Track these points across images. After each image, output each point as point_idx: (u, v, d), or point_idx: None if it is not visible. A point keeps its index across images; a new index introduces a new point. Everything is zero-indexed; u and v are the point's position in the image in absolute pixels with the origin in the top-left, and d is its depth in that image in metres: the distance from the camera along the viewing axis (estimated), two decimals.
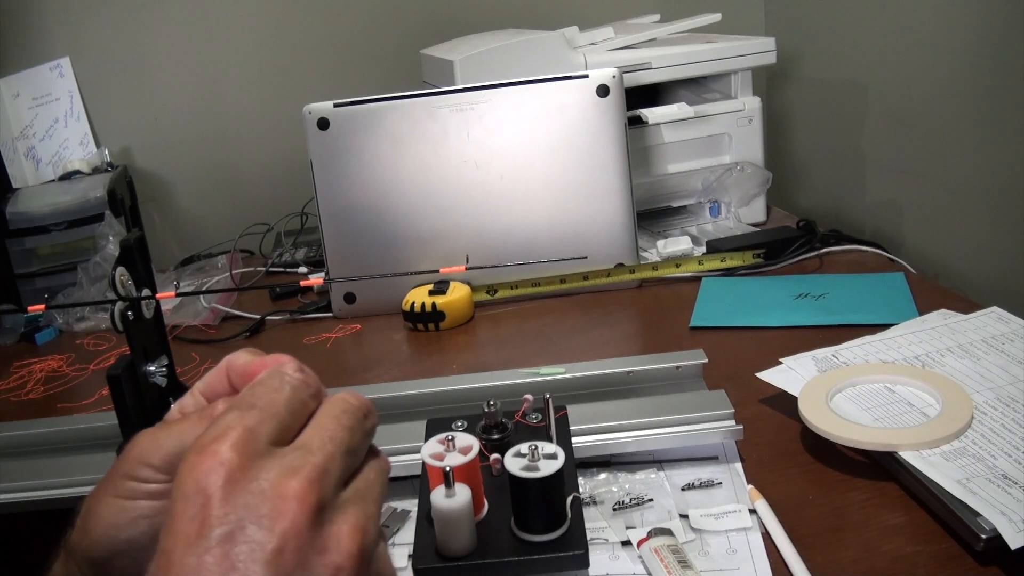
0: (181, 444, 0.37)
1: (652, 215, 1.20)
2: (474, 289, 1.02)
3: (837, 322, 0.86)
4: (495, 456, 0.57)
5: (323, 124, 1.01)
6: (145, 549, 0.36)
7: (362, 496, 0.34)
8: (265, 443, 0.32)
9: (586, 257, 1.02)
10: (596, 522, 0.59)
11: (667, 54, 1.13)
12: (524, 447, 0.53)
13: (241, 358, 0.41)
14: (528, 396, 0.62)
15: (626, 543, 0.57)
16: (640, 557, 0.55)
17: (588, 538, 0.53)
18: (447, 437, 0.54)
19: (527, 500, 0.52)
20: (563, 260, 1.01)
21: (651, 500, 0.61)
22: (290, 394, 0.35)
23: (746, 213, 1.17)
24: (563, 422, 0.62)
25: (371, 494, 0.35)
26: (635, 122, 1.11)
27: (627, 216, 1.03)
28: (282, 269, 1.24)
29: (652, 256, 1.08)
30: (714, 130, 1.17)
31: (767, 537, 0.56)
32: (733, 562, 0.54)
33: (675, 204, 1.21)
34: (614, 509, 0.61)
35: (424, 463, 0.54)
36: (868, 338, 0.76)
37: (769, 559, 0.54)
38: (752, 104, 1.17)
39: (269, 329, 1.05)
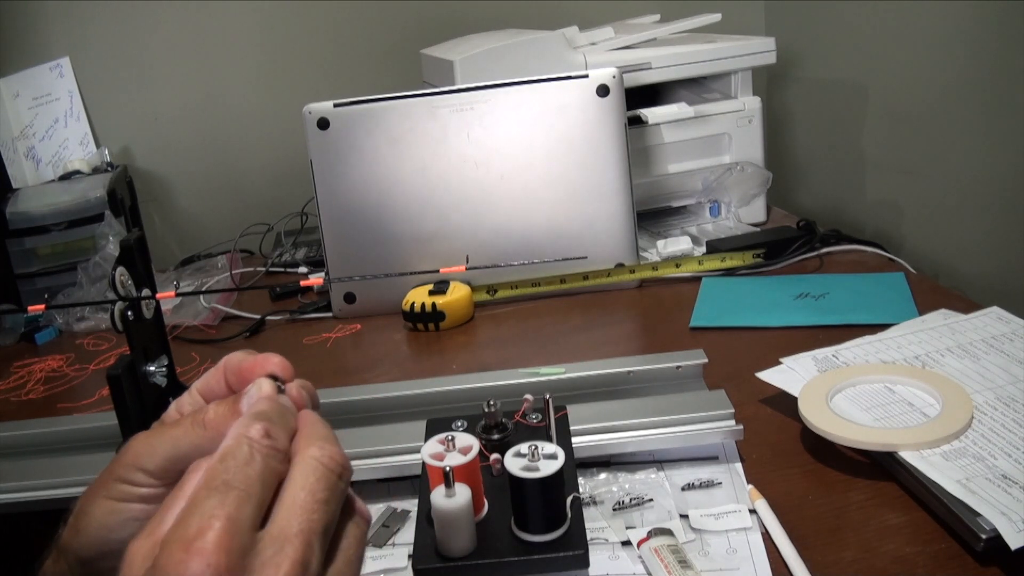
0: (175, 450, 0.38)
1: (652, 215, 1.20)
2: (474, 289, 1.02)
3: (837, 322, 0.86)
4: (495, 456, 0.57)
5: (323, 124, 1.01)
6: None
7: (341, 573, 0.34)
8: (248, 531, 0.31)
9: (586, 257, 1.02)
10: (596, 522, 0.59)
11: (667, 54, 1.13)
12: (524, 447, 0.53)
13: (236, 357, 0.42)
14: (528, 396, 0.62)
15: (626, 543, 0.57)
16: (640, 557, 0.55)
17: (588, 538, 0.53)
18: (447, 437, 0.54)
19: (527, 500, 0.52)
20: (563, 260, 1.01)
21: (651, 500, 0.61)
22: (262, 466, 0.34)
23: (746, 213, 1.17)
24: (563, 422, 0.62)
25: (351, 569, 0.34)
26: (635, 122, 1.11)
27: (627, 216, 1.03)
28: (282, 269, 1.24)
29: (652, 256, 1.08)
30: (714, 130, 1.17)
31: (767, 537, 0.56)
32: (733, 562, 0.54)
33: (675, 204, 1.21)
34: (614, 509, 0.61)
35: (424, 463, 0.54)
36: (868, 338, 0.76)
37: (769, 559, 0.54)
38: (752, 104, 1.17)
39: (269, 329, 1.05)
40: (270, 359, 0.40)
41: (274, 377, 0.40)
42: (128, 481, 0.38)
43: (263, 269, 1.25)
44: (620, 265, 1.03)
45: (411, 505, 0.63)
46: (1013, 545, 0.50)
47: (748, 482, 0.62)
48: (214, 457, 0.34)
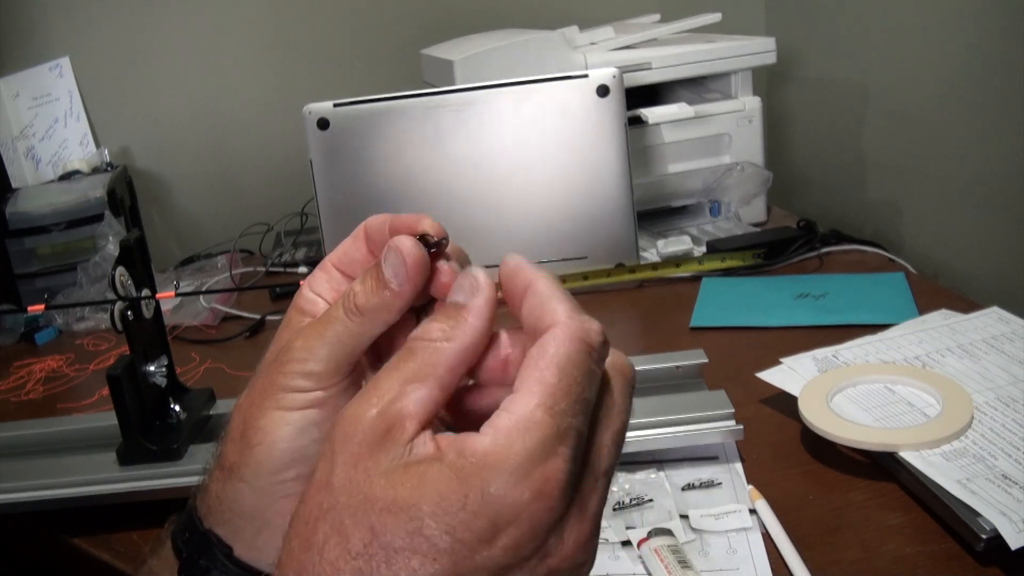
0: (338, 348, 0.35)
1: (652, 215, 1.20)
2: None
3: (837, 322, 0.86)
4: None
5: (323, 124, 1.01)
6: (316, 456, 0.33)
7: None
8: (580, 469, 0.30)
9: (586, 257, 1.02)
10: None
11: (667, 54, 1.13)
12: None
13: (378, 219, 0.39)
14: None
15: (626, 543, 0.57)
16: (640, 557, 0.55)
17: None
18: None
19: None
20: (563, 260, 1.01)
21: (651, 500, 0.61)
22: (594, 389, 0.30)
23: (746, 213, 1.17)
24: None
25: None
26: (635, 122, 1.11)
27: (627, 216, 1.03)
28: (282, 269, 1.24)
29: (652, 256, 1.08)
30: (714, 130, 1.17)
31: (767, 537, 0.56)
32: (733, 562, 0.54)
33: (675, 204, 1.21)
34: (614, 509, 0.61)
35: None
36: (868, 338, 0.76)
37: (769, 559, 0.54)
38: (752, 104, 1.17)
39: (269, 329, 1.05)
40: (423, 218, 0.36)
41: (424, 239, 0.35)
42: (296, 389, 0.36)
43: (263, 269, 1.25)
44: (620, 265, 1.03)
45: None
46: (1013, 545, 0.50)
47: (748, 482, 0.62)
48: (544, 359, 0.29)
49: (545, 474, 0.28)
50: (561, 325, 0.30)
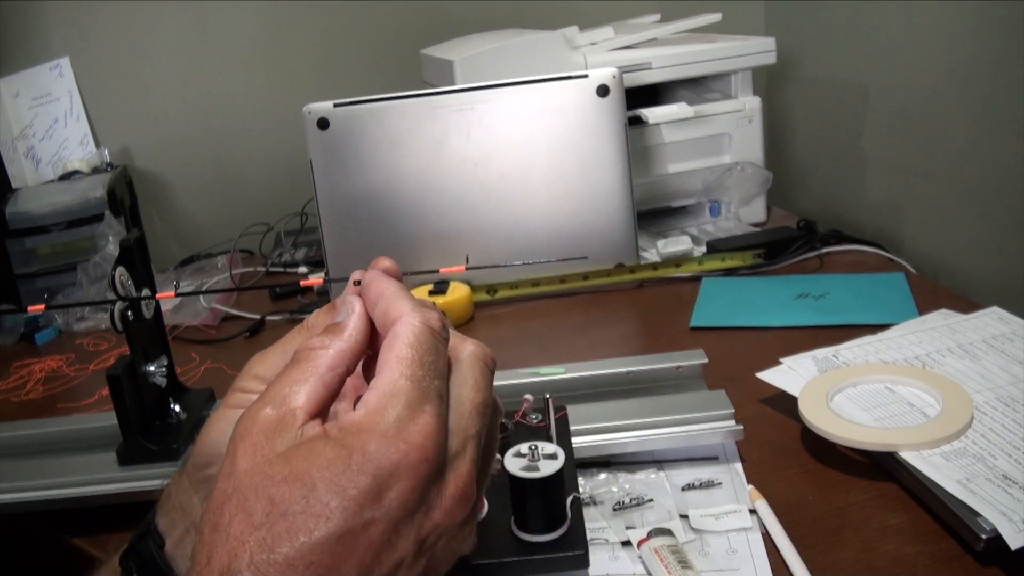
0: (285, 355, 0.41)
1: (652, 215, 1.20)
2: (474, 289, 1.02)
3: (837, 322, 0.86)
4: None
5: (323, 124, 1.01)
6: None
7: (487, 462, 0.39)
8: (446, 426, 0.35)
9: (586, 257, 1.02)
10: (596, 522, 0.59)
11: (667, 54, 1.13)
12: (524, 447, 0.53)
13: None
14: (528, 396, 0.62)
15: (626, 543, 0.57)
16: (640, 557, 0.55)
17: (588, 538, 0.53)
18: None
19: (527, 500, 0.52)
20: (563, 260, 1.01)
21: (651, 500, 0.61)
22: (444, 359, 0.37)
23: (746, 213, 1.17)
24: (563, 422, 0.62)
25: (492, 458, 0.40)
26: (635, 122, 1.11)
27: (627, 216, 1.03)
28: (282, 269, 1.24)
29: (652, 256, 1.08)
30: (714, 130, 1.17)
31: (767, 537, 0.56)
32: (733, 562, 0.54)
33: (675, 204, 1.21)
34: (614, 509, 0.61)
35: None
36: (868, 338, 0.76)
37: (769, 559, 0.54)
38: (752, 104, 1.17)
39: (269, 329, 1.05)
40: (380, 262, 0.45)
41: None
42: (243, 389, 0.42)
43: (263, 269, 1.25)
44: (620, 265, 1.03)
45: None
46: (1013, 545, 0.50)
47: (748, 482, 0.62)
48: (397, 342, 0.35)
49: (416, 428, 0.33)
50: (407, 315, 0.37)
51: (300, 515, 0.31)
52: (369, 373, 0.39)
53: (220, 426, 0.41)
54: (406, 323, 0.36)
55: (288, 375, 0.36)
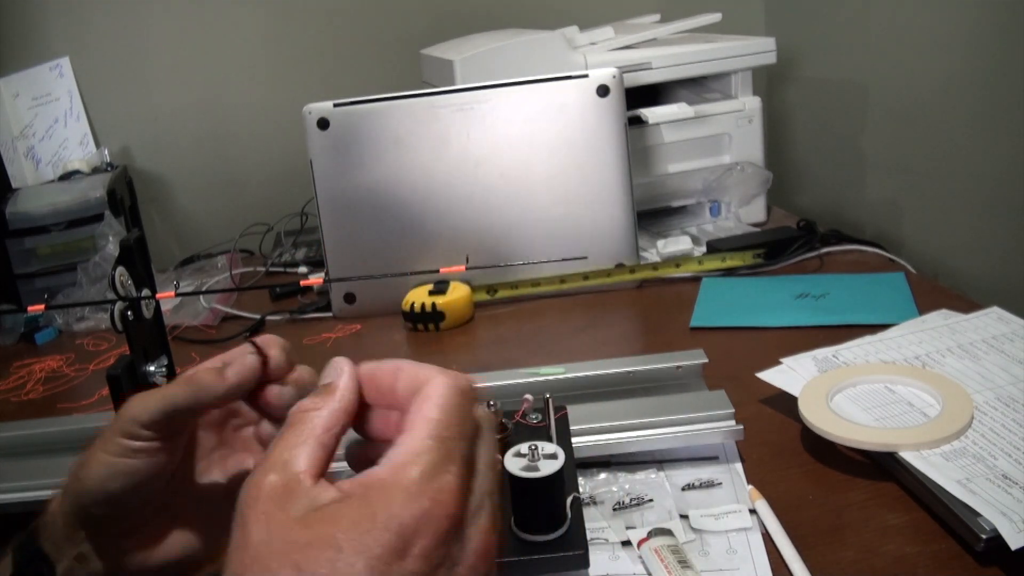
0: (167, 405, 0.42)
1: (652, 215, 1.20)
2: (474, 289, 1.02)
3: (837, 322, 0.86)
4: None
5: (323, 124, 1.01)
6: (120, 503, 0.43)
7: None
8: (470, 487, 0.35)
9: (586, 257, 1.01)
10: (596, 522, 0.59)
11: (667, 54, 1.13)
12: (524, 447, 0.53)
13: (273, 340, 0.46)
14: (528, 396, 0.62)
15: (626, 543, 0.57)
16: (640, 557, 0.55)
17: (588, 538, 0.53)
18: None
19: (527, 500, 0.52)
20: (563, 260, 1.01)
21: (651, 500, 0.61)
22: (471, 425, 0.37)
23: (746, 213, 1.17)
24: (563, 422, 0.62)
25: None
26: (635, 122, 1.11)
27: (627, 216, 1.03)
28: (282, 269, 1.24)
29: (652, 256, 1.08)
30: (714, 130, 1.17)
31: (767, 537, 0.56)
32: (733, 562, 0.54)
33: (675, 204, 1.21)
34: (614, 509, 0.61)
35: None
36: (868, 338, 0.76)
37: (769, 559, 0.54)
38: (752, 104, 1.17)
39: (269, 329, 1.05)
40: (266, 339, 0.46)
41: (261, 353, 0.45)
42: (126, 435, 0.42)
43: (263, 269, 1.25)
44: (620, 265, 1.03)
45: None
46: (1013, 545, 0.50)
47: (748, 482, 0.62)
48: (427, 403, 0.36)
49: (440, 486, 0.33)
50: (438, 378, 0.37)
51: None
52: (363, 430, 0.40)
53: (101, 472, 0.42)
54: (437, 384, 0.37)
55: (285, 440, 0.36)
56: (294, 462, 0.35)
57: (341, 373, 0.40)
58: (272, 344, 0.46)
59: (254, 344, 0.45)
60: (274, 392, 0.46)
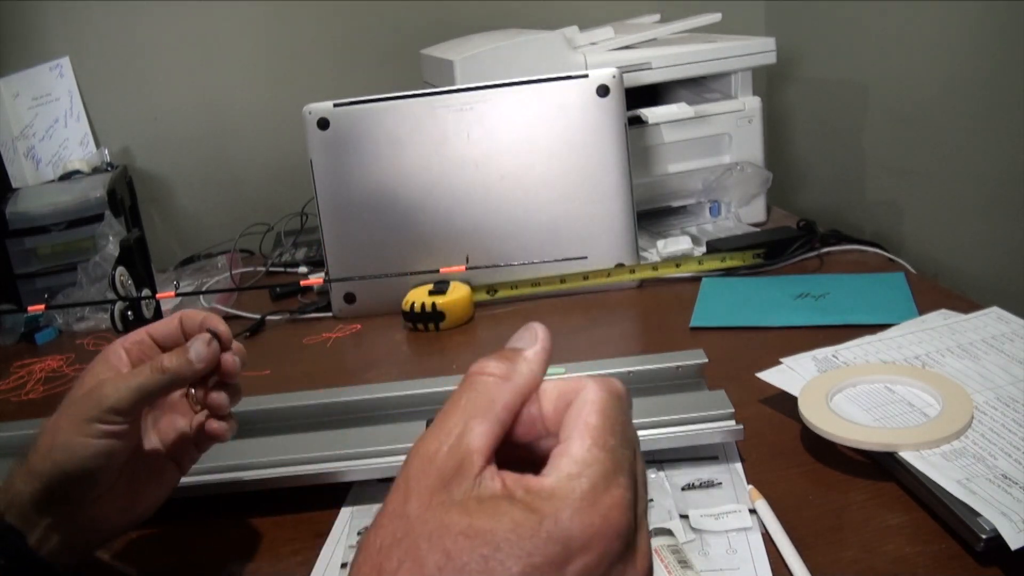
0: (140, 393, 0.50)
1: (652, 215, 1.20)
2: (474, 289, 1.02)
3: (837, 322, 0.86)
4: None
5: (323, 124, 1.01)
6: (94, 478, 0.50)
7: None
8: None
9: (586, 257, 1.02)
10: None
11: (667, 54, 1.13)
12: None
13: (192, 314, 0.55)
14: None
15: None
16: None
17: None
18: None
19: None
20: (563, 260, 1.01)
21: (651, 500, 0.61)
22: (627, 413, 0.35)
23: (746, 213, 1.17)
24: None
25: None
26: (635, 122, 1.11)
27: (627, 216, 1.03)
28: (282, 269, 1.24)
29: (652, 256, 1.08)
30: (714, 130, 1.17)
31: (767, 537, 0.56)
32: (733, 562, 0.54)
33: (675, 204, 1.21)
34: None
35: None
36: (868, 338, 0.76)
37: (769, 559, 0.54)
38: (752, 104, 1.17)
39: (269, 329, 1.05)
40: (213, 318, 0.54)
41: (214, 334, 0.53)
42: (101, 420, 0.49)
43: (263, 269, 1.25)
44: (620, 265, 1.03)
45: None
46: (1013, 545, 0.50)
47: (748, 482, 0.62)
48: (586, 407, 0.34)
49: (611, 501, 0.31)
50: (592, 383, 0.34)
51: (477, 574, 0.29)
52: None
53: (82, 453, 0.49)
54: (593, 389, 0.34)
55: (462, 405, 0.33)
56: (469, 436, 0.32)
57: (536, 339, 0.36)
58: (215, 322, 0.53)
59: (211, 331, 0.53)
60: (229, 361, 0.53)
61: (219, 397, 0.54)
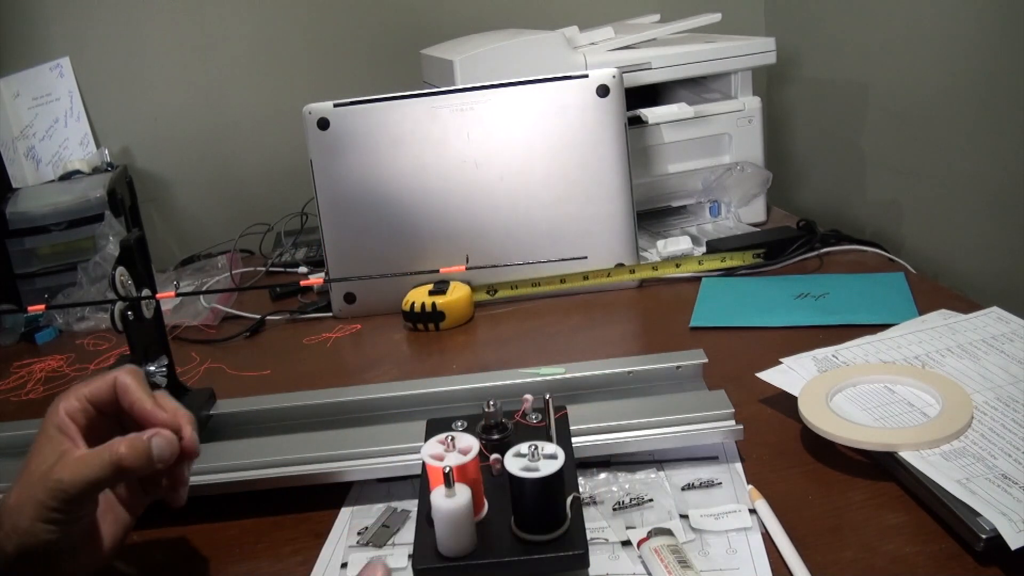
0: (95, 484, 0.49)
1: (652, 215, 1.20)
2: (474, 289, 1.02)
3: (837, 322, 0.86)
4: (495, 456, 0.57)
5: (323, 124, 1.01)
6: (58, 549, 0.50)
7: None
8: None
9: (586, 257, 1.02)
10: (596, 522, 0.59)
11: (667, 54, 1.13)
12: (524, 447, 0.53)
13: (131, 389, 0.53)
14: (528, 396, 0.62)
15: (626, 543, 0.57)
16: (640, 557, 0.55)
17: (588, 538, 0.53)
18: (447, 437, 0.54)
19: (527, 500, 0.52)
20: (563, 260, 1.01)
21: (651, 500, 0.61)
22: None
23: (746, 213, 1.17)
24: (563, 422, 0.62)
25: None
26: (635, 122, 1.11)
27: (627, 216, 1.03)
28: (282, 269, 1.24)
29: (652, 256, 1.08)
30: (714, 130, 1.17)
31: (767, 537, 0.56)
32: (733, 562, 0.54)
33: (675, 204, 1.21)
34: (614, 509, 0.61)
35: (424, 463, 0.54)
36: (868, 338, 0.76)
37: (769, 559, 0.54)
38: (752, 104, 1.17)
39: (269, 329, 1.05)
40: (159, 416, 0.53)
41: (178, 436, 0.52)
42: (59, 510, 0.49)
43: (263, 269, 1.25)
44: (620, 265, 1.03)
45: (411, 505, 0.63)
46: (1013, 545, 0.50)
47: (748, 482, 0.62)
48: None
49: None
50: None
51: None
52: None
53: (33, 531, 0.49)
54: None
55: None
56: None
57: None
58: (186, 421, 0.53)
59: (176, 432, 0.52)
60: (190, 446, 0.53)
61: (177, 471, 0.54)
